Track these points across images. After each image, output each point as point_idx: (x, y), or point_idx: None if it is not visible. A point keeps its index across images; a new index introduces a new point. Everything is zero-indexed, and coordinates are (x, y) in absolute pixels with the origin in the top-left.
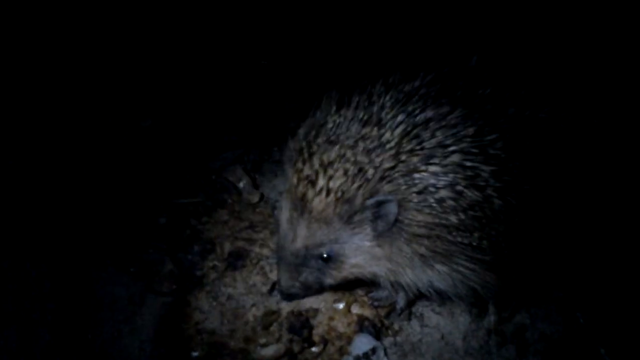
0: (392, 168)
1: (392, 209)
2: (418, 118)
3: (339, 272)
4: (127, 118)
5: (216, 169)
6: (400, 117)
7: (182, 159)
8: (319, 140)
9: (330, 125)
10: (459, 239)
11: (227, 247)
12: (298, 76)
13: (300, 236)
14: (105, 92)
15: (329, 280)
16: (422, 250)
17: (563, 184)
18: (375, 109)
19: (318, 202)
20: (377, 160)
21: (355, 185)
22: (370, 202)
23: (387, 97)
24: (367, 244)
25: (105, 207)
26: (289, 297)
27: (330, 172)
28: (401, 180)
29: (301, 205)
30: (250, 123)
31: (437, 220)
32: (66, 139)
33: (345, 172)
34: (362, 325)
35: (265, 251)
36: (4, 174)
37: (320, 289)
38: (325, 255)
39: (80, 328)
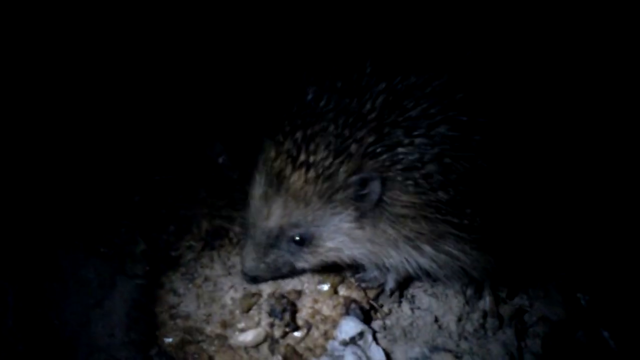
0: (375, 142)
1: (375, 187)
2: (400, 86)
3: (314, 256)
4: (100, 87)
5: (194, 145)
6: (381, 85)
7: (159, 135)
8: (300, 112)
9: (310, 96)
10: (448, 218)
11: (205, 225)
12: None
13: (275, 214)
14: (77, 61)
15: (301, 264)
16: (407, 231)
17: (560, 152)
18: (354, 77)
19: (297, 178)
20: (359, 134)
21: (337, 160)
22: (352, 179)
23: (367, 64)
24: (347, 225)
25: (75, 182)
26: (251, 279)
27: (312, 146)
28: (385, 156)
29: (277, 181)
30: (230, 96)
31: (423, 199)
32: (34, 108)
33: (327, 146)
34: (349, 307)
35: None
36: None
37: (290, 273)
38: (298, 238)
39: (46, 313)
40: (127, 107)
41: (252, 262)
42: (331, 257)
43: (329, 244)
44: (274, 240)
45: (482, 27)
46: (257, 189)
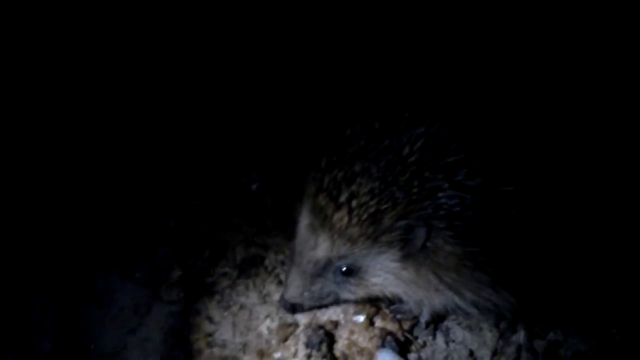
0: (418, 186)
1: (420, 234)
2: (442, 131)
3: (359, 288)
4: (139, 114)
5: (229, 171)
6: (419, 129)
7: (194, 160)
8: (339, 149)
9: (349, 132)
10: (487, 268)
11: (240, 252)
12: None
13: (322, 246)
14: (117, 85)
15: (346, 295)
16: (448, 279)
17: (594, 197)
18: (392, 120)
19: (340, 219)
20: (402, 178)
21: (383, 207)
22: (398, 224)
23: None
24: (393, 264)
25: (111, 208)
26: (290, 307)
27: (353, 187)
28: (428, 202)
29: (321, 216)
30: (265, 127)
31: (464, 251)
32: (71, 136)
33: (371, 191)
34: (385, 339)
35: (281, 257)
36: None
37: (332, 303)
38: (345, 269)
39: (83, 338)
40: (165, 133)
41: (296, 289)
42: (376, 291)
43: (374, 280)
44: (321, 270)
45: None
46: (304, 219)
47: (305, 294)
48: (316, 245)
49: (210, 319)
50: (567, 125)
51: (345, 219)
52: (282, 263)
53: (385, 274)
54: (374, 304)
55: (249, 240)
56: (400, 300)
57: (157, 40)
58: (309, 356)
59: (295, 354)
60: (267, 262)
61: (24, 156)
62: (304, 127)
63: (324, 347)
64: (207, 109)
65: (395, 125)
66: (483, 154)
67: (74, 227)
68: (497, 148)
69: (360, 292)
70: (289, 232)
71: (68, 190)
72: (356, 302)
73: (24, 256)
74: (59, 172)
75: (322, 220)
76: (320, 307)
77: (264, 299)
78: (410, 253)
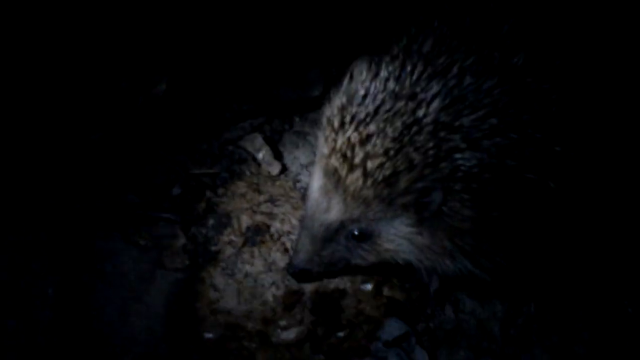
0: (434, 148)
1: (437, 197)
2: (455, 89)
3: (371, 254)
4: (141, 81)
5: (234, 139)
6: (435, 88)
7: (198, 127)
8: (352, 109)
9: (362, 92)
10: (505, 234)
11: (245, 221)
12: (319, 40)
13: (335, 209)
14: (118, 52)
15: (358, 261)
16: (465, 244)
17: (612, 165)
18: (407, 80)
19: (354, 181)
20: (418, 139)
21: (399, 169)
22: (414, 187)
23: (420, 67)
24: (407, 229)
25: (114, 173)
26: (298, 274)
27: (368, 148)
28: (444, 164)
29: (335, 178)
30: (270, 91)
31: (481, 214)
32: (75, 99)
33: (386, 153)
34: (393, 308)
35: (287, 226)
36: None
37: (341, 270)
38: (357, 234)
39: (85, 306)
40: (166, 99)
41: (306, 254)
42: (387, 257)
43: (387, 245)
44: (333, 233)
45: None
46: (316, 181)
47: (315, 259)
48: (329, 208)
49: (214, 287)
50: (603, 92)
51: (360, 181)
52: (288, 232)
53: (399, 239)
54: (382, 272)
55: (255, 208)
56: (410, 269)
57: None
58: (315, 323)
59: (301, 322)
60: (272, 230)
61: (27, 117)
62: (311, 89)
63: (330, 315)
64: (208, 70)
65: (411, 85)
66: (501, 112)
67: (75, 193)
68: (517, 107)
69: (372, 258)
70: (295, 200)
71: (69, 154)
72: (366, 269)
73: (24, 222)
74: (62, 135)
75: (336, 182)
76: (328, 274)
77: (270, 267)
78: (425, 217)
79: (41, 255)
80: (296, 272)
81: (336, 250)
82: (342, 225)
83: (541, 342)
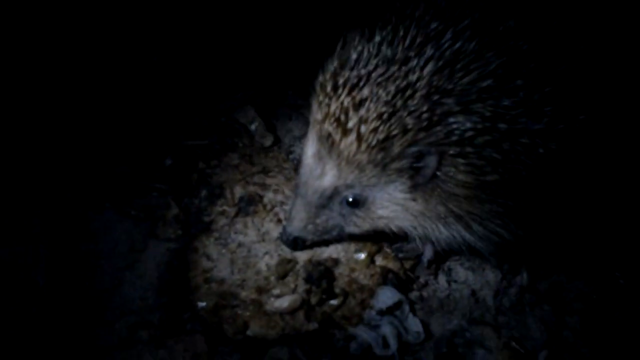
0: (428, 111)
1: (431, 162)
2: (448, 52)
3: (365, 221)
4: (134, 53)
5: (226, 110)
6: (429, 52)
7: (191, 99)
8: (345, 73)
9: (354, 56)
10: (498, 199)
11: (238, 191)
12: (312, 12)
13: (329, 174)
14: (111, 25)
15: (351, 228)
16: (458, 210)
17: (607, 129)
18: (400, 46)
19: (348, 144)
20: (412, 103)
21: (392, 132)
22: (408, 151)
23: (413, 31)
24: (401, 195)
25: (106, 144)
26: (292, 242)
27: (361, 112)
28: (439, 128)
29: (328, 143)
30: (263, 62)
31: (475, 179)
32: (69, 70)
33: (380, 116)
34: (386, 277)
35: (280, 197)
36: None
37: (334, 239)
38: (351, 200)
39: (78, 274)
40: (159, 71)
41: (300, 222)
42: (381, 224)
43: (381, 212)
44: (327, 200)
45: None
46: (310, 147)
47: (309, 227)
48: (323, 174)
49: (207, 257)
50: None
51: (354, 146)
52: (281, 202)
53: (393, 205)
54: (376, 242)
55: (248, 179)
56: (403, 238)
57: None
58: (308, 292)
59: (294, 290)
60: (265, 200)
61: (20, 92)
62: (303, 60)
63: (324, 283)
64: (203, 45)
65: (404, 50)
66: (494, 75)
67: (68, 162)
68: (510, 69)
69: (366, 225)
70: (289, 171)
71: (63, 125)
72: (359, 238)
73: (16, 189)
74: (55, 108)
75: (330, 147)
76: (322, 242)
77: (263, 237)
78: (419, 182)
79: (34, 224)
80: (290, 240)
81: (330, 217)
82: (336, 191)
83: (533, 312)
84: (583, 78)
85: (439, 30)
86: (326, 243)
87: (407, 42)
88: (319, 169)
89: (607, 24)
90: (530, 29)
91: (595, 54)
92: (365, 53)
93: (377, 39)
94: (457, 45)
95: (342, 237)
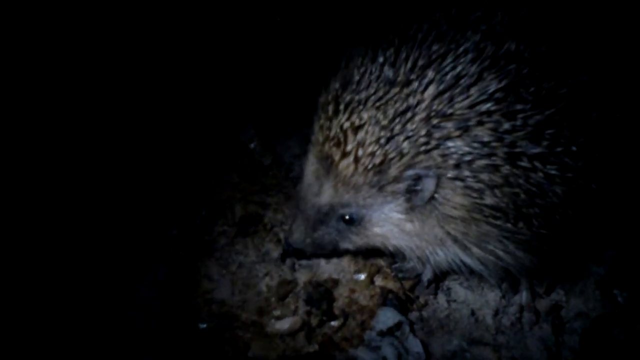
0: (426, 135)
1: (429, 185)
2: (449, 76)
3: (360, 238)
4: (134, 68)
5: (225, 129)
6: (430, 75)
7: (190, 117)
8: (346, 96)
9: (357, 78)
10: (495, 222)
11: (238, 211)
12: (312, 32)
13: (326, 193)
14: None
15: (346, 245)
16: (455, 232)
17: (607, 154)
18: (402, 68)
19: (345, 166)
20: (410, 127)
21: (389, 156)
22: (405, 174)
23: (415, 54)
24: (397, 216)
25: (107, 166)
26: (293, 252)
27: (360, 136)
28: (436, 151)
29: (327, 164)
30: (262, 80)
31: (473, 202)
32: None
33: (377, 141)
34: (386, 298)
35: (280, 216)
36: None
37: (331, 253)
38: (348, 218)
39: (76, 295)
40: (158, 91)
41: (300, 235)
42: (377, 242)
43: (377, 230)
44: (324, 216)
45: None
46: (310, 165)
47: (308, 240)
48: (320, 192)
49: (208, 277)
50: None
51: (351, 168)
52: (281, 222)
53: (389, 224)
54: (376, 263)
55: (248, 198)
56: (402, 258)
57: None
58: (309, 313)
59: (295, 312)
60: (266, 220)
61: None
62: (304, 78)
63: (324, 305)
64: (201, 63)
65: (406, 72)
66: (494, 99)
67: (65, 182)
68: (514, 94)
69: (362, 242)
70: (288, 190)
71: (63, 144)
72: (356, 255)
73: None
74: (59, 137)
75: (328, 168)
76: (322, 255)
77: (263, 257)
78: (417, 204)
79: (37, 247)
80: (290, 251)
81: (327, 232)
82: (332, 209)
83: (533, 331)
84: (584, 101)
85: (440, 53)
86: (329, 254)
87: (409, 64)
88: (317, 186)
89: (608, 48)
90: (530, 52)
91: (597, 78)
92: (367, 74)
93: (380, 59)
94: (458, 68)
95: (339, 252)
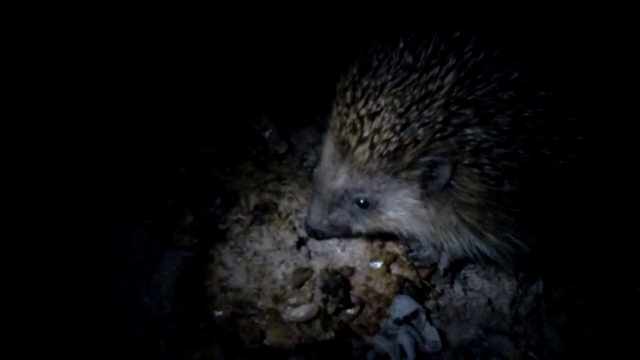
0: (444, 122)
1: (445, 172)
2: (471, 62)
3: (374, 222)
4: (150, 61)
5: (240, 118)
6: (451, 62)
7: (204, 106)
8: (364, 82)
9: (375, 64)
10: (513, 210)
11: (253, 200)
12: (331, 19)
13: (342, 178)
14: (128, 31)
15: (359, 227)
16: (471, 220)
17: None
18: (423, 54)
19: (362, 152)
20: (427, 114)
21: (404, 143)
22: (421, 161)
23: (437, 40)
24: (412, 201)
25: (120, 154)
26: (313, 233)
27: (376, 123)
28: (452, 139)
29: (344, 149)
30: (277, 69)
31: (490, 190)
32: (83, 82)
33: (393, 128)
34: (403, 286)
35: (295, 205)
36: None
37: (345, 234)
38: (362, 202)
39: (94, 284)
40: (174, 79)
41: (317, 217)
42: (390, 227)
43: (391, 215)
44: (339, 199)
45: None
46: (327, 150)
47: (324, 222)
48: (336, 177)
49: (223, 265)
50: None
51: (367, 154)
52: (297, 210)
53: (403, 210)
54: (391, 251)
55: (263, 187)
56: (418, 248)
57: None
58: (325, 301)
59: (311, 299)
60: (281, 208)
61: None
62: (320, 66)
63: (340, 293)
64: (216, 52)
65: (426, 57)
66: (517, 84)
67: (84, 172)
68: (535, 78)
69: (374, 226)
70: (303, 179)
71: (80, 135)
72: (372, 243)
73: (31, 201)
74: (72, 117)
75: (345, 153)
76: (339, 236)
77: (278, 245)
78: (432, 191)
79: (49, 236)
80: (309, 231)
81: (342, 215)
82: (347, 193)
83: (550, 320)
84: (609, 89)
85: (462, 39)
86: (342, 249)
87: (430, 50)
88: (333, 171)
89: (634, 38)
90: (554, 39)
91: (622, 66)
92: (387, 60)
93: (401, 45)
94: (481, 55)
95: (353, 235)
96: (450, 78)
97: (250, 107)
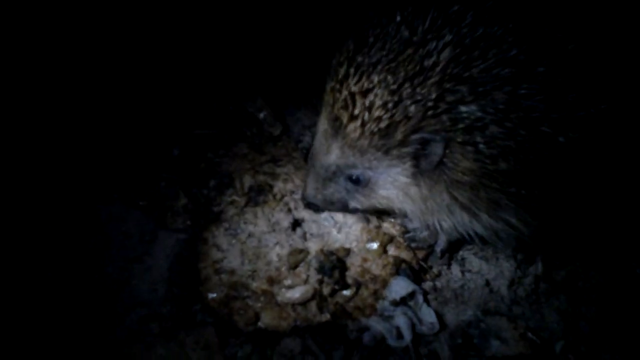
0: (437, 99)
1: (437, 149)
2: (468, 38)
3: (367, 199)
4: (142, 42)
5: (234, 99)
6: (447, 37)
7: (198, 88)
8: (358, 58)
9: (371, 39)
10: (506, 188)
11: (247, 181)
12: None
13: (334, 153)
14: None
15: (353, 204)
16: (463, 198)
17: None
18: (419, 27)
19: (353, 129)
20: (420, 91)
21: (395, 120)
22: (412, 138)
23: (434, 13)
24: (403, 179)
25: (113, 135)
26: (309, 205)
27: (368, 99)
28: (445, 116)
29: (336, 125)
30: (272, 50)
31: (484, 168)
32: (75, 60)
33: (385, 105)
34: (399, 267)
35: (290, 186)
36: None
37: (342, 209)
38: (354, 178)
39: (87, 267)
40: (167, 61)
41: (312, 190)
42: (384, 204)
43: (382, 192)
44: (332, 175)
45: None
46: (321, 125)
47: (319, 196)
48: (328, 152)
49: (217, 247)
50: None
51: (358, 131)
52: (291, 192)
53: (395, 188)
54: (388, 232)
55: (257, 169)
56: (415, 228)
57: None
58: (320, 282)
59: (306, 281)
60: (275, 190)
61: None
62: (315, 46)
63: (336, 274)
64: (210, 33)
65: (423, 30)
66: (513, 62)
67: (76, 154)
68: (534, 54)
69: (368, 203)
70: (298, 160)
71: (71, 117)
72: (368, 223)
73: (23, 184)
74: (63, 99)
75: (337, 129)
76: (336, 211)
77: (273, 227)
78: (425, 168)
79: (42, 218)
80: (306, 204)
81: (336, 190)
82: (338, 169)
83: (549, 302)
84: (610, 65)
85: (460, 12)
86: (338, 230)
87: (427, 24)
88: (326, 146)
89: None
90: (554, 13)
91: (624, 42)
92: (383, 34)
93: (398, 18)
94: (479, 30)
95: (348, 211)
96: (445, 54)
97: (245, 88)
